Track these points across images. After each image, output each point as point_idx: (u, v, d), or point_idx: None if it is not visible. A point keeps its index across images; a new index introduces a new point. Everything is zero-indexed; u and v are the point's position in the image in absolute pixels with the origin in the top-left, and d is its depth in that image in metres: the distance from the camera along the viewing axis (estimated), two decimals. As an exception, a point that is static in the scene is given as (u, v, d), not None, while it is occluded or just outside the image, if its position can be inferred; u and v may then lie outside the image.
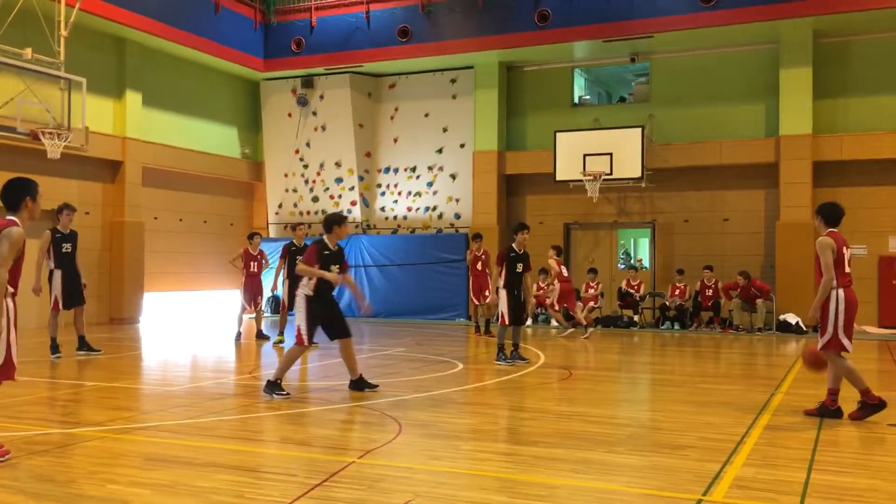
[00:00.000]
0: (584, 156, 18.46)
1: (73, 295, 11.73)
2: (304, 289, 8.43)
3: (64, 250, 11.63)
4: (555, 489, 5.05)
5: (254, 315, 14.93)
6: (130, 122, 18.67)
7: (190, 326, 17.88)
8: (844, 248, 7.32)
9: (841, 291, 7.18)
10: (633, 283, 18.45)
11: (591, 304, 18.42)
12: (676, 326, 17.74)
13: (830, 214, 7.50)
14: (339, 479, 5.17)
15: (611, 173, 18.25)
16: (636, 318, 18.13)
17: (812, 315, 7.29)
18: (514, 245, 11.18)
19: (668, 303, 18.03)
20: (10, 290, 5.63)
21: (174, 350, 13.74)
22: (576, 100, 20.50)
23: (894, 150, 17.03)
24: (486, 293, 15.76)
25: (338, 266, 8.50)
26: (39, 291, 11.20)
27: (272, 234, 22.60)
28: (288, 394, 8.34)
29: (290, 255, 13.39)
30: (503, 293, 11.13)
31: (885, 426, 7.00)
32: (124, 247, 18.39)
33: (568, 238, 20.19)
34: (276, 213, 22.68)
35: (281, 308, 14.37)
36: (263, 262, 14.94)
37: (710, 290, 17.68)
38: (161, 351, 13.70)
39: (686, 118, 18.91)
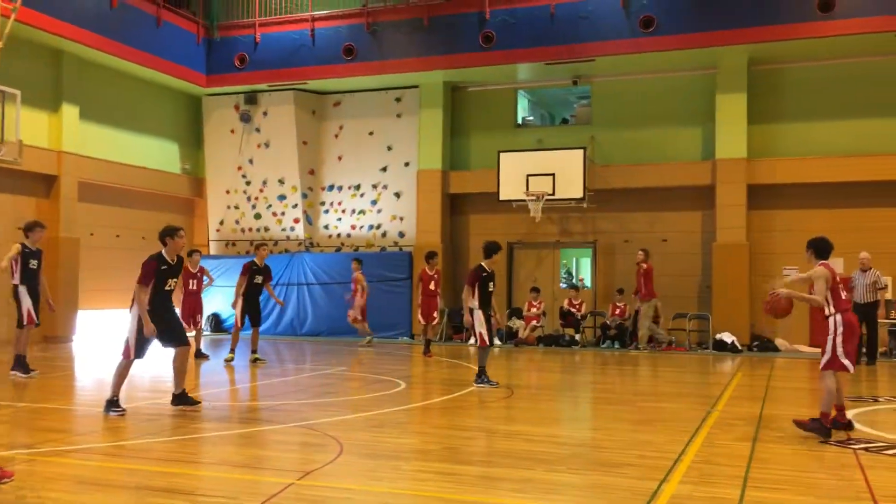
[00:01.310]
0: (528, 176, 18.65)
1: (36, 313, 11.61)
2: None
3: (31, 266, 11.53)
4: (496, 509, 5.06)
5: (193, 333, 14.66)
6: (67, 136, 18.23)
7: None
8: (837, 277, 7.93)
9: (839, 316, 7.64)
10: (575, 303, 18.66)
11: (534, 322, 18.59)
12: (617, 345, 17.98)
13: (821, 248, 8.26)
14: (278, 500, 5.10)
15: (553, 193, 18.47)
16: (577, 336, 18.33)
17: (788, 294, 8.11)
18: (484, 264, 11.08)
19: (608, 322, 18.27)
20: None
21: (109, 369, 13.36)
22: (519, 121, 20.74)
23: (825, 175, 17.61)
24: (435, 314, 15.90)
25: (174, 280, 8.65)
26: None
27: (213, 252, 22.25)
28: (124, 412, 8.35)
29: (251, 273, 13.73)
30: (479, 314, 10.91)
31: (817, 443, 7.19)
32: (59, 263, 17.87)
33: (511, 257, 20.33)
34: (218, 230, 22.36)
35: (235, 326, 14.06)
36: (205, 279, 14.71)
37: (650, 310, 17.97)
38: (95, 370, 13.33)
39: (626, 141, 19.28)
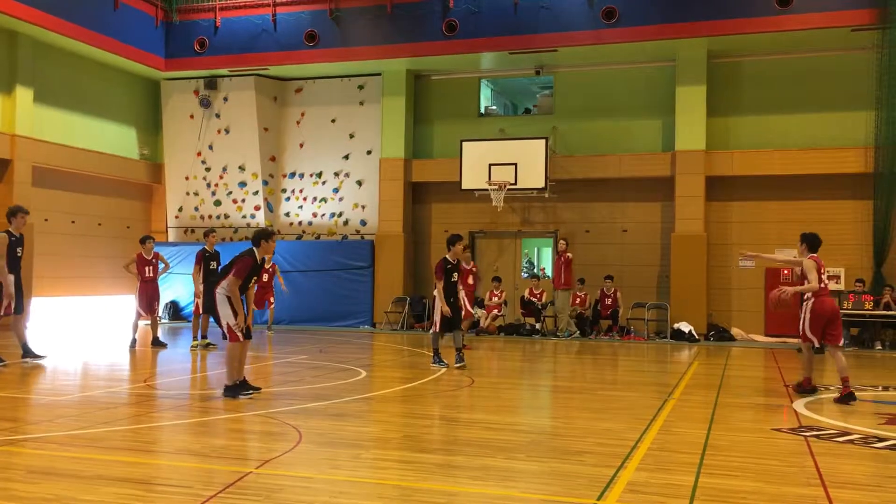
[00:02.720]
0: (490, 165, 18.69)
1: (21, 300, 11.53)
2: (224, 290, 8.69)
3: (18, 254, 11.40)
4: (454, 496, 5.08)
5: (149, 321, 14.49)
6: (20, 119, 17.82)
7: (82, 333, 17.16)
8: (823, 268, 9.27)
9: (811, 302, 9.12)
10: (536, 292, 18.77)
11: (495, 311, 18.66)
12: (577, 334, 18.13)
13: (814, 242, 9.43)
14: (235, 489, 5.06)
15: (515, 183, 18.53)
16: (538, 325, 18.45)
17: (779, 295, 9.18)
18: (448, 256, 11.78)
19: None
20: None
21: (64, 358, 13.15)
22: (482, 110, 20.75)
23: (781, 167, 17.92)
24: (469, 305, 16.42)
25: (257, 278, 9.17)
26: (12, 297, 11.22)
27: (171, 238, 21.96)
28: (255, 390, 8.76)
29: (204, 260, 14.12)
30: (439, 303, 11.61)
31: (770, 431, 7.33)
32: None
33: (473, 246, 20.36)
34: (177, 217, 22.06)
35: (194, 312, 14.44)
36: (161, 265, 14.53)
37: (610, 300, 18.17)
38: (50, 359, 13.08)
39: (588, 131, 19.41)
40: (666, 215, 18.96)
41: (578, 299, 18.47)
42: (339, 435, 6.85)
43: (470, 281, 15.75)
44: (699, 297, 17.94)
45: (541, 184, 18.56)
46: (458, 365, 11.54)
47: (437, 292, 11.60)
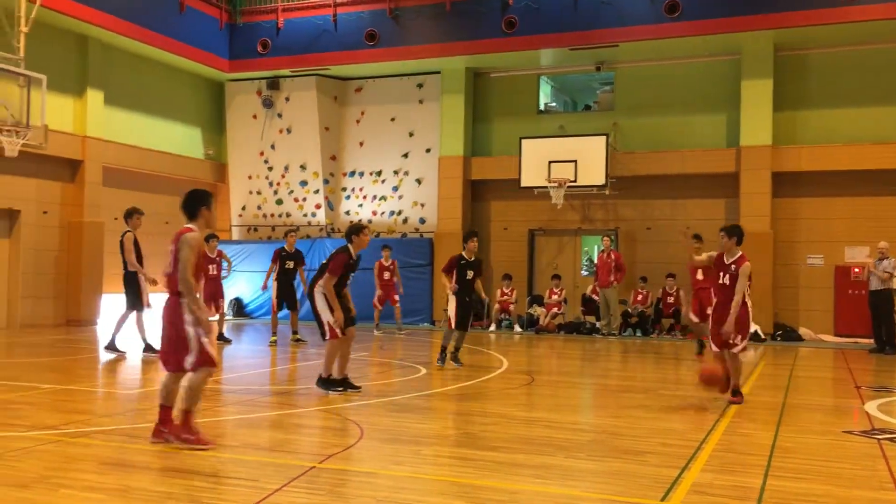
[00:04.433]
0: (549, 162, 18.57)
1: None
2: (320, 288, 8.77)
3: (139, 252, 12.18)
4: (515, 494, 5.06)
5: (216, 318, 14.82)
6: (91, 121, 18.38)
7: (149, 329, 17.60)
8: None
9: (750, 302, 8.48)
10: (596, 290, 18.57)
11: (555, 310, 18.54)
12: (638, 333, 17.91)
13: (743, 235, 8.58)
14: (298, 483, 5.13)
15: (575, 180, 18.38)
16: (598, 324, 18.27)
17: (730, 329, 8.33)
18: (463, 253, 11.42)
19: (630, 309, 18.19)
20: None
21: (132, 353, 13.51)
22: (541, 107, 20.63)
23: (850, 162, 17.38)
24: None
25: (352, 274, 9.05)
26: (157, 281, 11.80)
27: (235, 237, 22.38)
28: (355, 389, 8.85)
29: (281, 259, 14.45)
30: (453, 298, 11.34)
31: (840, 433, 7.13)
32: (83, 247, 18.07)
33: (532, 244, 20.28)
34: (240, 216, 22.47)
35: (272, 310, 14.97)
36: (224, 263, 14.89)
37: (672, 298, 17.88)
38: (120, 354, 13.45)
39: (649, 127, 19.13)
40: (730, 212, 18.55)
41: (640, 297, 18.23)
42: (400, 431, 6.89)
43: (385, 276, 16.77)
44: (765, 295, 17.51)
45: (601, 181, 18.36)
46: (457, 364, 11.38)
47: (448, 289, 11.36)
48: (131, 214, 12.30)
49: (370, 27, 19.76)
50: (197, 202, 6.40)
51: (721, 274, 8.46)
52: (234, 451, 6.33)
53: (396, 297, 17.24)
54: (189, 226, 6.38)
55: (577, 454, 6.15)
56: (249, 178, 22.21)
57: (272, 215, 22.01)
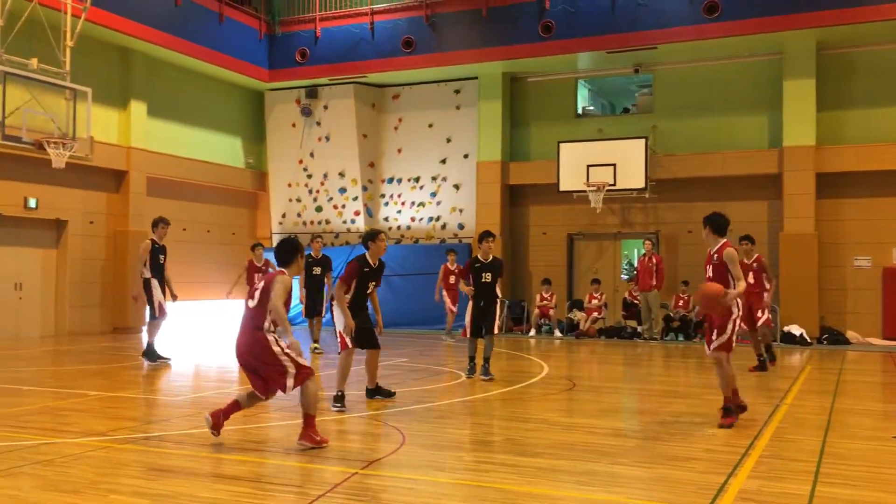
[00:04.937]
0: (588, 166, 18.48)
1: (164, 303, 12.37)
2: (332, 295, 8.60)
3: (160, 261, 12.32)
4: (559, 501, 5.03)
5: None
6: (135, 132, 18.73)
7: (193, 336, 17.85)
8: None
9: (741, 300, 7.40)
10: (637, 294, 18.41)
11: (595, 314, 18.42)
12: (680, 337, 17.70)
13: (720, 224, 7.58)
14: (341, 490, 5.16)
15: (614, 184, 18.26)
16: (640, 328, 18.09)
17: (732, 297, 7.26)
18: (479, 255, 10.79)
19: (671, 314, 17.99)
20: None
21: (176, 360, 13.71)
22: (579, 110, 20.53)
23: (896, 162, 17.02)
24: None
25: (374, 282, 8.66)
26: (138, 298, 12.17)
27: (275, 244, 22.57)
28: (388, 395, 8.84)
29: (307, 265, 13.76)
30: (469, 305, 10.75)
31: (890, 438, 6.97)
32: (128, 256, 18.38)
33: (571, 249, 20.18)
34: (280, 223, 22.71)
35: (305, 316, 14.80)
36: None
37: (714, 301, 17.61)
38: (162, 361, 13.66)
39: (690, 129, 18.93)
40: (773, 214, 18.28)
41: (682, 301, 18.03)
42: (441, 437, 6.89)
43: (451, 280, 16.52)
44: (811, 298, 17.21)
45: (641, 184, 18.22)
46: (486, 378, 10.61)
47: (467, 292, 10.71)
48: (157, 224, 12.47)
49: (407, 34, 19.85)
50: (295, 251, 6.77)
51: (707, 267, 7.59)
52: (276, 456, 6.38)
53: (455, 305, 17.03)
54: (282, 269, 6.68)
55: (622, 460, 6.10)
56: (289, 185, 22.43)
57: (312, 222, 22.20)
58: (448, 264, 16.98)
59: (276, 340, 6.40)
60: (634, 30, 17.88)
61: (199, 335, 18.11)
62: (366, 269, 8.55)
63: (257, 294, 6.49)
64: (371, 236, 8.71)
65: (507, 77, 20.36)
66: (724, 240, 7.56)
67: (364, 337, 8.57)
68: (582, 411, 8.66)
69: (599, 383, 11.22)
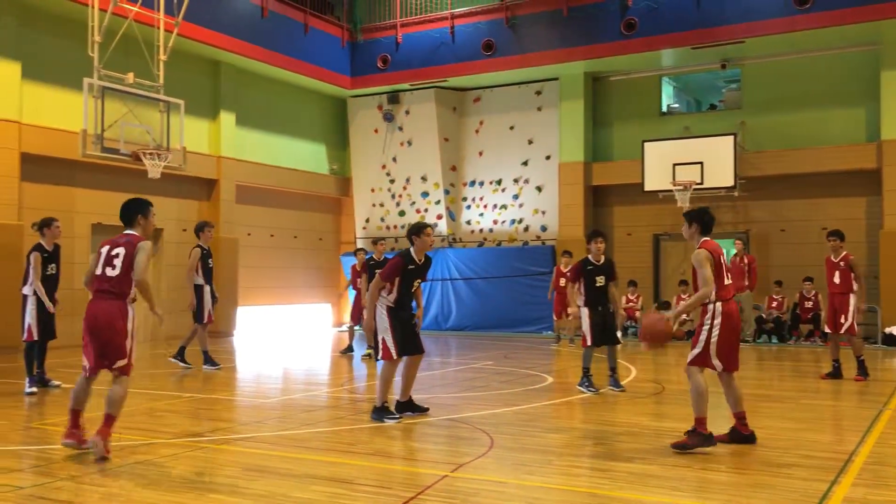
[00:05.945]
0: (674, 165, 18.09)
1: (212, 310, 12.38)
2: (385, 300, 7.84)
3: (210, 266, 12.32)
4: (652, 507, 4.93)
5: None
6: (225, 142, 19.29)
7: (282, 339, 18.26)
8: (721, 257, 6.66)
9: (719, 305, 6.56)
10: (727, 295, 17.91)
11: (683, 316, 17.99)
12: (774, 340, 17.14)
13: (704, 221, 6.80)
14: (432, 492, 5.18)
15: (701, 182, 17.82)
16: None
17: (675, 316, 6.81)
18: (590, 256, 10.00)
19: (764, 315, 17.44)
20: (132, 297, 6.39)
21: (268, 363, 14.05)
22: (664, 108, 20.13)
23: None
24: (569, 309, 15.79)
25: (419, 279, 7.95)
26: (194, 306, 12.00)
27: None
28: (422, 411, 8.06)
29: (369, 268, 13.30)
30: (585, 311, 9.93)
31: None
32: (220, 262, 18.84)
33: (657, 249, 19.79)
34: (364, 228, 23.00)
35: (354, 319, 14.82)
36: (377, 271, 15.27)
37: (811, 302, 17.01)
38: (255, 363, 14.03)
39: (780, 124, 18.33)
40: (871, 211, 17.53)
41: (776, 302, 17.46)
42: (529, 441, 6.85)
43: (562, 283, 15.65)
44: (913, 298, 16.42)
45: (729, 182, 17.72)
46: (616, 389, 9.81)
47: (576, 298, 10.02)
48: (202, 228, 12.26)
49: (487, 37, 19.85)
50: (134, 210, 6.84)
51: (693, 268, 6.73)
52: (367, 458, 6.46)
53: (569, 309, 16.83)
54: (132, 232, 6.64)
55: (716, 466, 5.93)
56: (372, 191, 22.71)
57: (395, 227, 22.41)
58: (561, 266, 16.59)
59: (134, 317, 6.33)
60: (721, 24, 17.42)
61: (286, 338, 18.49)
62: (410, 267, 7.77)
63: (118, 262, 6.27)
64: (417, 230, 7.88)
65: (589, 77, 20.12)
66: (705, 239, 6.75)
67: (408, 342, 7.83)
68: (672, 415, 8.47)
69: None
